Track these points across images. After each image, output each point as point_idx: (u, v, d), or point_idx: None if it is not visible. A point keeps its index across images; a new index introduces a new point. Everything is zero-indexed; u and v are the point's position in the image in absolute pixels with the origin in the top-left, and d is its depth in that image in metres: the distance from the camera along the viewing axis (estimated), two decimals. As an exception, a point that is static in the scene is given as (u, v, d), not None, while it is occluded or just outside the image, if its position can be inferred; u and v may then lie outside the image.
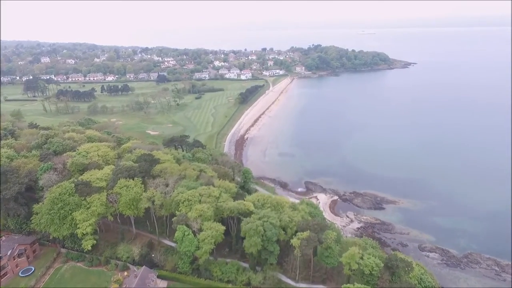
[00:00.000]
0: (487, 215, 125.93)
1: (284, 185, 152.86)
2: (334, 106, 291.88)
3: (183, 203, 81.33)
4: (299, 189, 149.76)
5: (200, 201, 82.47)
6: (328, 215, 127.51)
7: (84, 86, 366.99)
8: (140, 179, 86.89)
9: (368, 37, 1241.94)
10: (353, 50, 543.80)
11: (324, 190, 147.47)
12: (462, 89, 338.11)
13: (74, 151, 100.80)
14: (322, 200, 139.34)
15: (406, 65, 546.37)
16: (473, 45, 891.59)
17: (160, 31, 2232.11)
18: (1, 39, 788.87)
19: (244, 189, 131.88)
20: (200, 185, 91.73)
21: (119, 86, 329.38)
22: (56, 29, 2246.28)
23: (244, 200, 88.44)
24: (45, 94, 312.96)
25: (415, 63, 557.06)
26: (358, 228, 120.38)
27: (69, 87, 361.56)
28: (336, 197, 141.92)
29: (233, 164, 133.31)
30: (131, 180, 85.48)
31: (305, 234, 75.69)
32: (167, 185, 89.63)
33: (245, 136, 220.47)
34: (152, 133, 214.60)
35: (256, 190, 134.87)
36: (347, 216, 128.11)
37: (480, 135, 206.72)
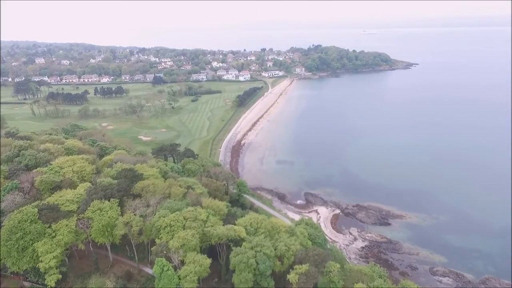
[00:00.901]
0: (503, 232, 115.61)
1: (282, 197, 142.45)
2: (335, 109, 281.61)
3: (164, 229, 70.99)
4: (298, 202, 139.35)
5: (184, 226, 72.10)
6: (329, 232, 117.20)
7: (77, 88, 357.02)
8: (117, 200, 76.47)
9: (370, 37, 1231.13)
10: (354, 51, 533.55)
11: (325, 203, 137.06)
12: (468, 90, 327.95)
13: (48, 165, 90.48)
14: (323, 214, 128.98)
15: (408, 65, 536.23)
16: (475, 45, 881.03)
17: (159, 31, 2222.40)
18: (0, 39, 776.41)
19: (239, 202, 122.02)
20: (186, 205, 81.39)
21: (113, 88, 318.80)
22: (55, 29, 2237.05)
23: (236, 223, 78.19)
24: (36, 97, 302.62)
25: (417, 64, 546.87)
26: (363, 248, 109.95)
27: (62, 89, 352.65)
28: (338, 211, 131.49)
29: (227, 176, 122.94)
30: (107, 201, 75.14)
31: (304, 267, 65.41)
32: (148, 206, 79.33)
33: (242, 142, 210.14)
34: (144, 138, 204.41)
35: (251, 205, 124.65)
36: (350, 233, 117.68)
37: (491, 139, 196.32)
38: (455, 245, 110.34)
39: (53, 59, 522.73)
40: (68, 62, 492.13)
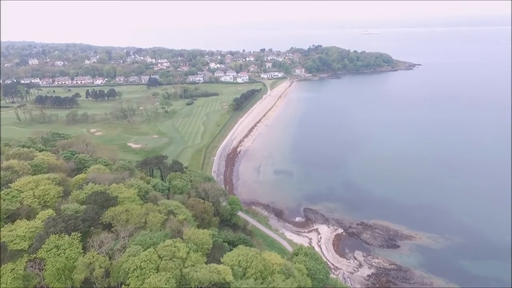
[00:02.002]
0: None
1: (279, 214, 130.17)
2: (337, 113, 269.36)
3: (133, 272, 58.73)
4: (297, 219, 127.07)
5: (158, 268, 59.86)
6: (331, 257, 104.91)
7: (69, 90, 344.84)
8: (79, 235, 64.12)
9: (371, 37, 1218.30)
10: (355, 51, 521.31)
11: (326, 221, 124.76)
12: (476, 92, 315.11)
13: (8, 187, 78.39)
14: (324, 234, 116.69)
15: (410, 66, 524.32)
16: (478, 45, 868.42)
17: (159, 31, 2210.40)
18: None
19: (230, 223, 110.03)
20: (164, 237, 69.19)
21: (105, 91, 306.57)
22: (54, 30, 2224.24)
23: (222, 261, 65.95)
24: (24, 100, 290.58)
25: (420, 65, 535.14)
26: (369, 276, 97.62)
27: (54, 91, 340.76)
28: (340, 230, 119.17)
29: (217, 193, 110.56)
30: (67, 236, 62.88)
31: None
32: (118, 239, 67.14)
33: (238, 149, 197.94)
34: (133, 146, 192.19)
35: (245, 224, 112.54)
36: (355, 258, 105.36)
37: (504, 146, 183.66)
38: (473, 273, 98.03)
39: (47, 60, 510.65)
40: (61, 63, 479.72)
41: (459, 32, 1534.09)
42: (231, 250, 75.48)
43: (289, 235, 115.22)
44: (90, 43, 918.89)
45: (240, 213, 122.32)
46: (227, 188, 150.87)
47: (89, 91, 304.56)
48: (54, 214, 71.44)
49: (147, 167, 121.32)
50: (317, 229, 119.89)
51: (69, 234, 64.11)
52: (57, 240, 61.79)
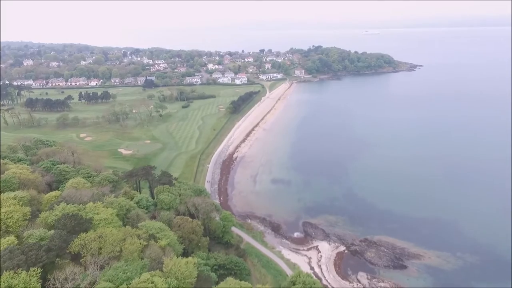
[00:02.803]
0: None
1: (276, 229, 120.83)
2: (337, 116, 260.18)
3: (100, 318, 49.69)
4: (296, 234, 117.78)
5: (129, 312, 50.79)
6: (332, 279, 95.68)
7: (63, 92, 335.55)
8: (38, 271, 54.90)
9: (372, 38, 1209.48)
10: (355, 52, 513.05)
11: (327, 236, 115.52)
12: (481, 94, 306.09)
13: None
14: (325, 252, 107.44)
15: (412, 67, 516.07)
16: (480, 46, 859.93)
17: (159, 31, 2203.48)
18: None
19: (223, 241, 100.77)
20: (141, 270, 60.17)
21: (99, 93, 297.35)
22: (53, 30, 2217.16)
23: (206, 299, 56.87)
24: (15, 103, 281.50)
25: (421, 66, 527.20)
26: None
27: (46, 93, 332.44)
28: (342, 248, 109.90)
29: (209, 208, 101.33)
30: (24, 272, 53.69)
31: None
32: (86, 272, 58.00)
33: (234, 156, 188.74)
34: (124, 152, 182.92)
35: (238, 242, 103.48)
36: (359, 281, 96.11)
37: None
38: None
39: (42, 61, 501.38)
40: (56, 64, 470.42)
41: (460, 32, 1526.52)
42: (219, 281, 66.69)
43: (286, 253, 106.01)
44: (88, 44, 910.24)
45: (234, 228, 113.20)
46: (221, 198, 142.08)
47: (82, 93, 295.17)
48: (16, 242, 62.39)
49: (133, 179, 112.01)
50: (317, 246, 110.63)
51: (28, 270, 54.91)
52: (12, 278, 52.51)
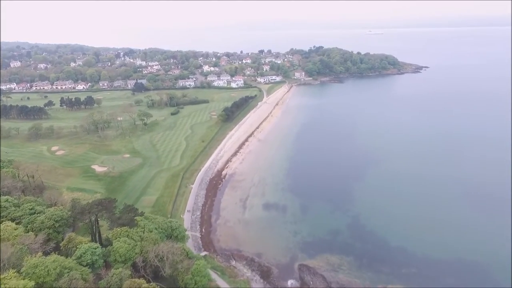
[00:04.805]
0: None
1: (266, 274, 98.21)
2: (340, 124, 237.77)
3: None
4: (289, 283, 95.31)
5: None
6: None
7: (46, 97, 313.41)
8: None
9: (375, 38, 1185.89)
10: (358, 53, 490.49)
11: (328, 286, 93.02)
12: (495, 99, 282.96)
13: None
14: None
15: (417, 69, 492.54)
16: (485, 46, 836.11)
17: (158, 31, 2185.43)
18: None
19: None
20: None
21: (82, 99, 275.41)
22: (53, 30, 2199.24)
23: None
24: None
25: (427, 67, 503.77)
26: None
27: (28, 98, 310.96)
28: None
29: (177, 258, 79.09)
30: None
31: None
32: None
33: (223, 173, 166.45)
34: (98, 169, 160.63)
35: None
36: None
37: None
38: None
39: (31, 62, 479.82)
40: (44, 66, 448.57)
41: (462, 32, 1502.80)
42: None
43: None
44: (84, 44, 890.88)
45: (214, 275, 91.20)
46: (203, 230, 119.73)
47: (64, 98, 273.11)
48: None
49: (87, 217, 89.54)
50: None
51: None
52: None
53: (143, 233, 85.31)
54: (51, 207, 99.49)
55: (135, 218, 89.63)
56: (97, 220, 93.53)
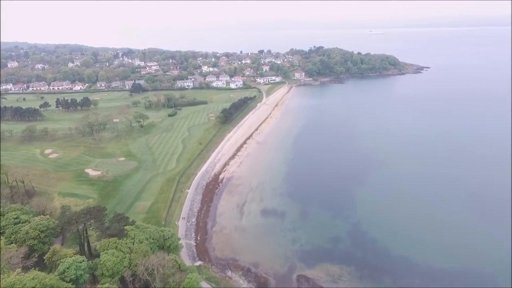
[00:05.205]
0: None
1: (263, 286, 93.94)
2: (341, 126, 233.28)
3: None
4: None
5: None
6: None
7: (42, 98, 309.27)
8: None
9: (376, 38, 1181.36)
10: (359, 53, 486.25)
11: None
12: (501, 100, 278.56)
13: None
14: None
15: (418, 69, 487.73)
16: (486, 47, 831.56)
17: (158, 31, 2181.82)
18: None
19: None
20: None
21: (78, 100, 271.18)
22: (52, 30, 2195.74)
23: None
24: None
25: (428, 67, 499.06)
26: None
27: (24, 99, 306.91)
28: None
29: (168, 271, 74.86)
30: None
31: None
32: None
33: (220, 177, 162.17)
34: (92, 173, 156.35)
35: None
36: None
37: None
38: None
39: (28, 62, 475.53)
40: (41, 66, 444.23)
41: (462, 32, 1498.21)
42: None
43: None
44: (84, 44, 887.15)
45: (208, 286, 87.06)
46: (198, 238, 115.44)
47: (60, 99, 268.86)
48: None
49: (74, 228, 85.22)
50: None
51: None
52: None
53: (133, 244, 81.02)
54: (38, 215, 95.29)
55: (125, 228, 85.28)
56: (86, 229, 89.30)
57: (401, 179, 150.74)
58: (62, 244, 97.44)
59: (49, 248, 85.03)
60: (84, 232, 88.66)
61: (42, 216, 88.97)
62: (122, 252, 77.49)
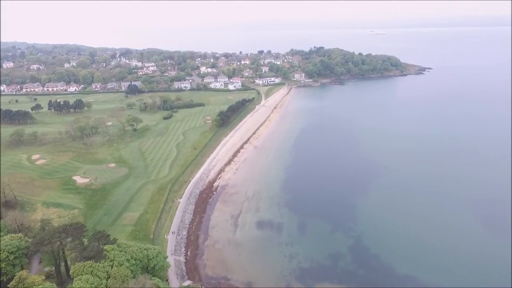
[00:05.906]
0: None
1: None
2: (341, 130, 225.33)
3: None
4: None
5: None
6: None
7: (35, 99, 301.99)
8: None
9: (378, 38, 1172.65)
10: (360, 54, 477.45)
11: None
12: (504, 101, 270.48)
13: None
14: None
15: (420, 70, 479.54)
16: (488, 47, 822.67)
17: (158, 31, 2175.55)
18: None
19: None
20: None
21: (72, 102, 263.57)
22: (52, 30, 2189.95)
23: None
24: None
25: (430, 68, 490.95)
26: None
27: (16, 101, 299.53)
28: None
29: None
30: None
31: None
32: None
33: (215, 184, 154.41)
34: (79, 181, 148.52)
35: None
36: None
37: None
38: None
39: (24, 63, 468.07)
40: (37, 67, 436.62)
41: (463, 32, 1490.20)
42: None
43: None
44: (82, 44, 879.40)
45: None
46: (188, 254, 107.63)
47: (52, 102, 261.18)
48: None
49: (48, 249, 77.31)
50: None
51: None
52: None
53: (111, 267, 73.13)
54: (13, 232, 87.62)
55: (104, 248, 77.42)
56: (63, 249, 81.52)
57: (404, 188, 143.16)
58: (40, 262, 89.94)
59: (22, 267, 77.65)
60: (61, 251, 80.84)
61: (12, 235, 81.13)
62: (98, 277, 69.70)
